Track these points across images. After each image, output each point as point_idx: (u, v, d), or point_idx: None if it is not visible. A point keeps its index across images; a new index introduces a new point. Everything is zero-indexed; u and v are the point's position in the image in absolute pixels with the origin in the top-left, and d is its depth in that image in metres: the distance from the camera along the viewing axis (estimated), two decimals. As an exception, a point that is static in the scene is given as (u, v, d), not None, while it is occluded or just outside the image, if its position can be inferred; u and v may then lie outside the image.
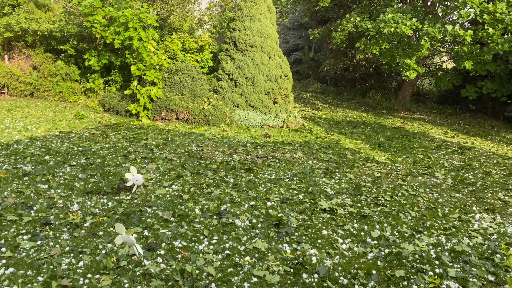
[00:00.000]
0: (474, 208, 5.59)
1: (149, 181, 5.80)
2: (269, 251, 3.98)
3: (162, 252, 3.84)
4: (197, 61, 12.39)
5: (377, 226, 4.73)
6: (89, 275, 3.39)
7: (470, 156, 8.86)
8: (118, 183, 5.49)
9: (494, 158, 8.79)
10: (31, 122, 9.22)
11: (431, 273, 3.75)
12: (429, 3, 13.91)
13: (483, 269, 3.85)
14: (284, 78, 11.22)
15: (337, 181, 6.42)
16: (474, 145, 10.12)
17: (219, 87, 10.98)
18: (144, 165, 6.55)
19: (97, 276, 3.39)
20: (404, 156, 8.45)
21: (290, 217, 4.82)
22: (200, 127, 9.92)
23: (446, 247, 4.30)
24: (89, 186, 5.47)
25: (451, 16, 13.37)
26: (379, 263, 3.88)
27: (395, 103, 15.85)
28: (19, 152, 6.77)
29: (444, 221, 5.03)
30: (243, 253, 3.93)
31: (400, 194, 5.95)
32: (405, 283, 3.55)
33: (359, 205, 5.38)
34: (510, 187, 6.65)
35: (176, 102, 10.26)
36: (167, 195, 5.30)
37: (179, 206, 4.97)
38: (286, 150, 8.31)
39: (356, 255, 4.03)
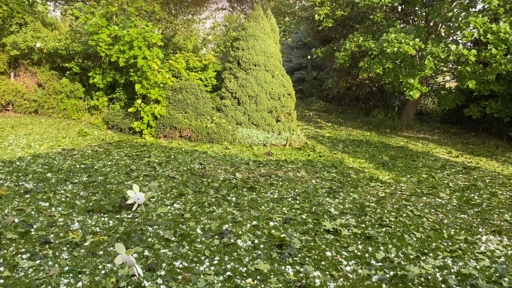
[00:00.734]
0: (480, 229, 5.50)
1: (151, 199, 5.75)
2: (272, 273, 3.90)
3: (163, 272, 3.77)
4: (201, 79, 12.47)
5: (382, 248, 4.64)
6: (87, 297, 3.32)
7: (475, 176, 8.78)
8: (120, 201, 5.45)
9: (499, 179, 8.69)
10: (35, 139, 9.24)
11: (437, 297, 3.66)
12: (431, 24, 14.02)
13: (491, 293, 3.75)
14: (287, 96, 11.25)
15: (341, 201, 6.35)
16: (479, 165, 10.03)
17: (222, 105, 11.01)
18: (147, 183, 6.51)
19: (96, 297, 3.32)
20: (409, 176, 8.38)
21: (293, 237, 4.75)
22: (203, 145, 9.91)
23: (452, 270, 4.20)
24: (90, 204, 5.42)
25: (454, 36, 13.45)
26: (384, 286, 3.79)
27: (399, 122, 15.83)
28: (22, 169, 6.76)
29: (450, 243, 4.93)
30: (245, 274, 3.85)
31: (404, 214, 5.86)
32: (411, 307, 3.45)
33: (363, 225, 5.30)
34: (517, 208, 6.55)
35: (180, 120, 10.28)
36: (169, 214, 5.24)
37: (180, 225, 4.91)
38: (289, 168, 8.26)
39: (360, 277, 3.94)
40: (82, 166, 7.24)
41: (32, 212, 5.00)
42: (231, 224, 5.03)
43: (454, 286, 3.87)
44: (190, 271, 3.83)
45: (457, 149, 12.20)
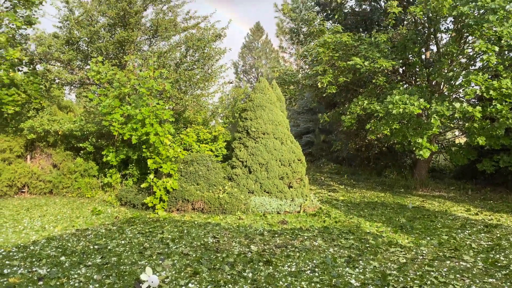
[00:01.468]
0: (512, 294, 5.21)
1: (165, 280, 5.61)
2: None
3: None
4: (211, 150, 12.68)
5: (409, 322, 4.39)
6: None
7: (498, 235, 8.47)
8: (134, 283, 5.32)
9: (524, 236, 8.38)
10: (49, 220, 9.27)
11: None
12: (434, 83, 14.36)
13: None
14: (298, 162, 11.31)
15: (361, 270, 6.12)
16: (500, 222, 9.72)
17: (233, 174, 11.07)
18: (160, 261, 6.39)
19: None
20: (428, 238, 8.12)
21: (314, 315, 4.53)
22: (216, 216, 9.83)
23: None
24: (104, 288, 5.30)
25: (457, 93, 13.70)
26: None
27: (412, 181, 15.66)
28: (35, 254, 6.71)
29: (481, 312, 4.66)
30: None
31: (429, 282, 5.61)
32: None
33: (386, 297, 5.06)
34: (547, 268, 6.24)
35: (192, 192, 10.31)
36: (184, 295, 5.08)
37: (196, 307, 4.74)
38: (305, 237, 8.08)
39: None
40: (96, 247, 7.18)
41: (45, 301, 4.89)
42: (248, 303, 4.84)
43: None
44: None
45: (476, 206, 11.90)
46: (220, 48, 14.69)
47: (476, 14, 11.54)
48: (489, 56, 10.97)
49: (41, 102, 12.94)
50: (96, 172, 12.75)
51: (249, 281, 5.61)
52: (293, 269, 6.12)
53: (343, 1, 16.84)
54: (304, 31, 18.60)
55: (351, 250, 7.22)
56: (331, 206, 11.61)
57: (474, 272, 6.10)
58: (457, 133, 19.71)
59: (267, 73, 41.10)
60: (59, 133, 12.53)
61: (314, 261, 6.51)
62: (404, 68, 15.82)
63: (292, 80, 17.20)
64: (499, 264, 6.45)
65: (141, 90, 10.59)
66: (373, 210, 11.25)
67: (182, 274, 5.87)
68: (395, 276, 5.82)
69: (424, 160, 15.73)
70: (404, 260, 6.60)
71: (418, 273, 5.96)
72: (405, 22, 16.29)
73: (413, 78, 16.11)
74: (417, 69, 14.98)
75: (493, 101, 11.30)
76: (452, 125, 14.65)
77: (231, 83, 15.61)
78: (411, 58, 14.84)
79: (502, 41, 11.09)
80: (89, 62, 13.25)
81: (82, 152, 12.94)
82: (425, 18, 14.12)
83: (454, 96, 13.72)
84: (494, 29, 11.17)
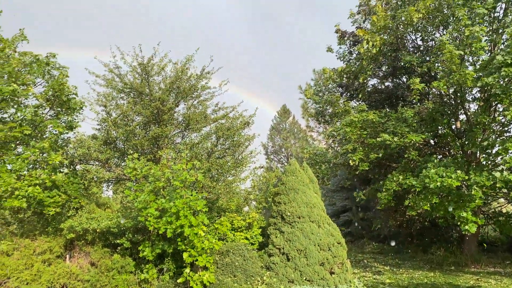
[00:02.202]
0: None
1: None
2: None
3: None
4: (246, 238, 12.44)
5: None
6: None
7: None
8: None
9: None
10: (86, 324, 9.05)
11: None
12: (469, 153, 14.00)
13: None
14: (337, 245, 10.88)
15: None
16: None
17: (271, 263, 10.71)
18: None
19: None
20: (491, 325, 7.34)
21: None
22: (256, 311, 9.34)
23: None
24: None
25: (496, 161, 13.24)
26: None
27: (462, 257, 14.63)
28: None
29: None
30: None
31: None
32: None
33: None
34: None
35: (229, 285, 9.96)
36: None
37: None
38: (353, 330, 7.47)
39: None
40: None
41: None
42: None
43: None
44: None
45: (539, 282, 10.85)
46: (249, 135, 15.08)
47: (502, 83, 11.55)
48: (523, 122, 10.76)
49: (80, 201, 13.36)
50: (132, 268, 12.62)
51: None
52: None
53: (365, 81, 17.32)
54: (329, 112, 18.99)
55: None
56: (377, 291, 10.87)
57: None
58: (502, 200, 18.71)
59: (297, 152, 41.47)
60: (97, 230, 12.73)
61: None
62: (435, 139, 15.63)
63: (323, 160, 17.22)
64: None
65: (175, 183, 10.81)
66: (424, 293, 10.43)
67: None
68: None
69: (472, 233, 14.81)
70: None
71: None
72: (430, 96, 16.42)
73: (446, 149, 15.82)
74: (449, 140, 14.75)
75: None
76: (496, 194, 13.99)
77: (262, 167, 15.76)
78: (441, 129, 14.71)
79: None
80: (125, 159, 13.83)
81: (119, 248, 12.97)
82: (450, 91, 14.22)
83: (492, 164, 13.26)
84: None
